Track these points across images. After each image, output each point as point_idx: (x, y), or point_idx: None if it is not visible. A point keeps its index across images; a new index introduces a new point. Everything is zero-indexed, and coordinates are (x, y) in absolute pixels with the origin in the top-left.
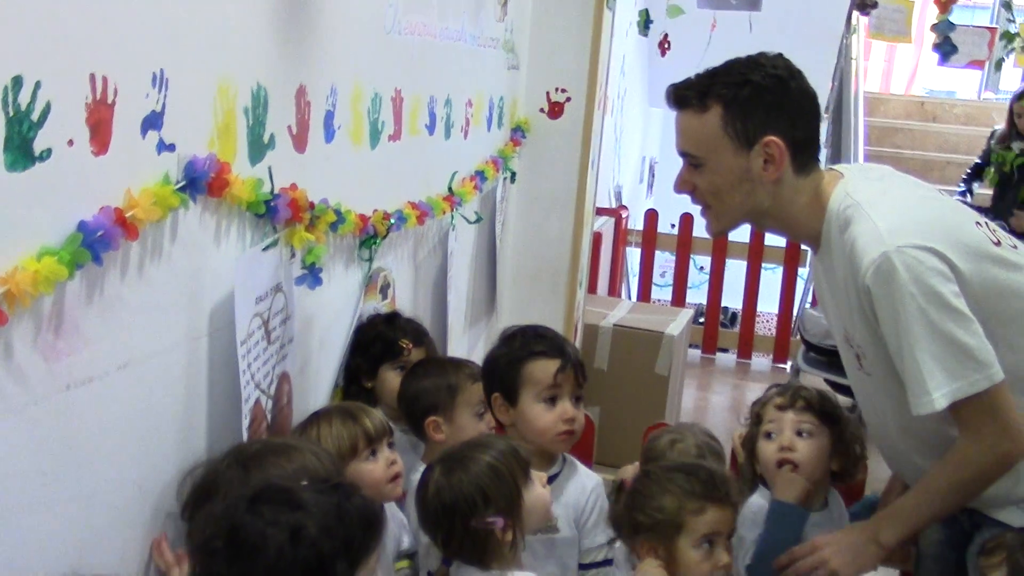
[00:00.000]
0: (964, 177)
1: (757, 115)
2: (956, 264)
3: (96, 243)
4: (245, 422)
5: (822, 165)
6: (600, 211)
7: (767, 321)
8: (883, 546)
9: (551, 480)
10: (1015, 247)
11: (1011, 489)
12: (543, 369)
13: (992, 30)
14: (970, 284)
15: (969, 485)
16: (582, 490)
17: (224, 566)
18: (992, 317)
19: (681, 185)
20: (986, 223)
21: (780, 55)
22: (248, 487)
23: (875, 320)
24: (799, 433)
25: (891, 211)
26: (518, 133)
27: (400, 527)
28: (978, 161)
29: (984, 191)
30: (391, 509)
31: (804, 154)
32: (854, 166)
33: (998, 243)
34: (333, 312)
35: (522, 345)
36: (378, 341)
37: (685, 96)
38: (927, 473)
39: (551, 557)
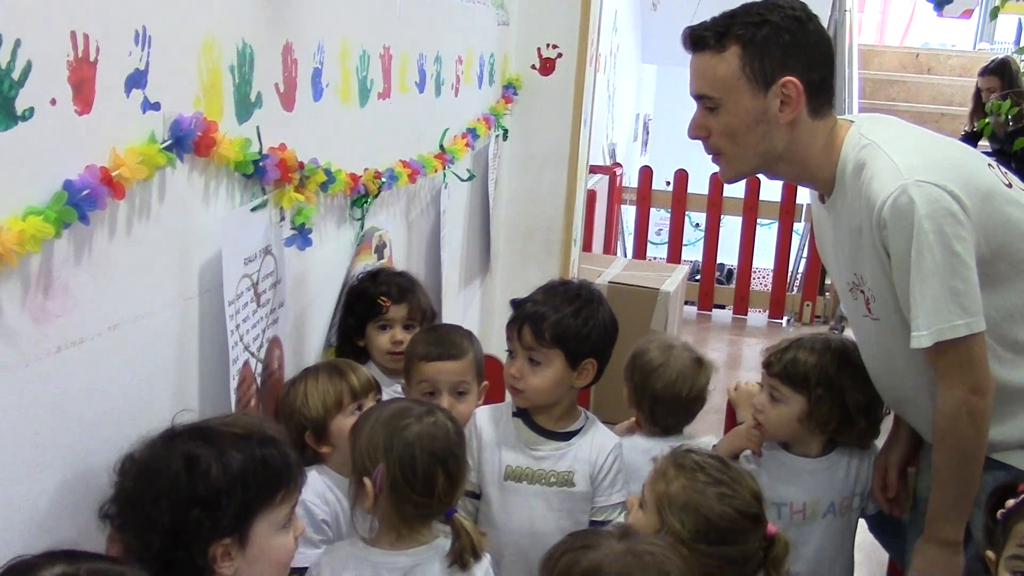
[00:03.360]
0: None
1: (775, 55)
2: (968, 206)
3: (82, 202)
4: (233, 384)
5: None
6: (594, 169)
7: (763, 277)
8: (953, 542)
9: (572, 435)
10: None
11: (1015, 432)
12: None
13: None
14: (983, 225)
15: (960, 443)
16: (601, 448)
17: (131, 482)
18: (1003, 257)
19: (696, 130)
20: (997, 166)
21: None
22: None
23: (887, 256)
24: (772, 396)
25: (908, 150)
26: (510, 90)
27: None
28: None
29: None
30: None
31: (819, 97)
32: (863, 115)
33: (1010, 185)
34: (325, 273)
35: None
36: (362, 299)
37: (703, 37)
38: (932, 454)
39: (563, 510)
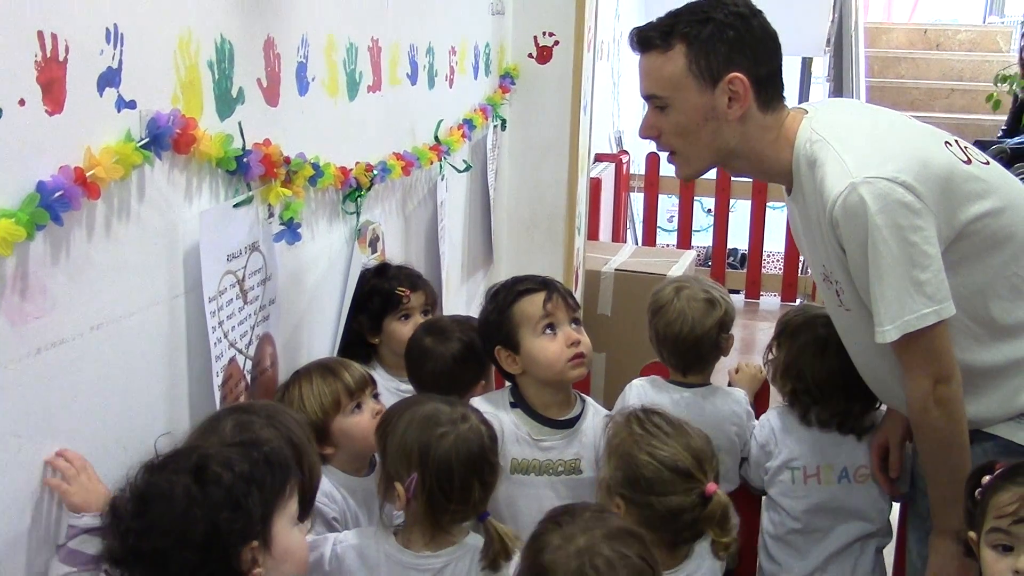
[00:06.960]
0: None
1: (720, 52)
2: (924, 192)
3: (55, 203)
4: (217, 380)
5: (824, 97)
6: (600, 157)
7: (775, 260)
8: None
9: (572, 423)
10: (987, 163)
11: (1003, 405)
12: (531, 303)
13: None
14: (943, 208)
15: (936, 432)
16: (603, 430)
17: (133, 521)
18: (966, 235)
19: (647, 130)
20: (955, 141)
21: None
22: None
23: (844, 253)
24: None
25: (857, 144)
26: (507, 80)
27: None
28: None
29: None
30: None
31: (768, 91)
32: (820, 102)
33: (968, 161)
34: (321, 270)
35: (505, 293)
36: (375, 295)
37: (649, 37)
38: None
39: (570, 497)
